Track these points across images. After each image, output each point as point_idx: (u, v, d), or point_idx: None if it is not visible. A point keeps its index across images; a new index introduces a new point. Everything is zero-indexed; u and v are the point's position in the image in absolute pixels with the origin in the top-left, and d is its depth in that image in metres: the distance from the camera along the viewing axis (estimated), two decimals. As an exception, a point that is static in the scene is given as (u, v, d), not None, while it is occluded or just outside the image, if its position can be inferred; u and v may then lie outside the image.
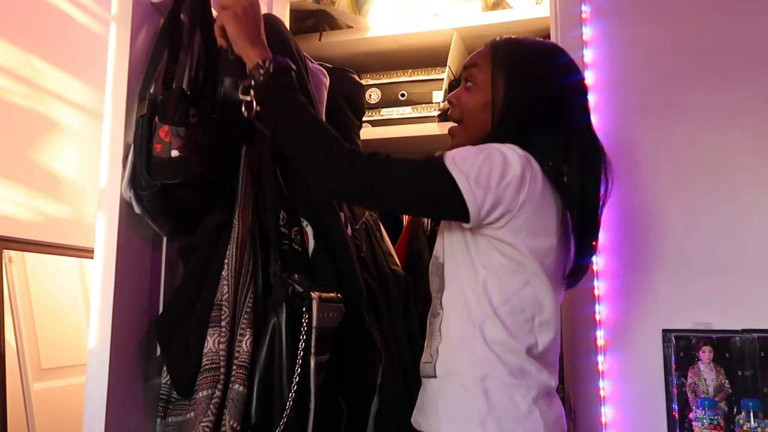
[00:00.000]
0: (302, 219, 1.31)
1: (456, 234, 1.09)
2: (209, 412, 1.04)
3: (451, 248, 1.10)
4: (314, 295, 1.13)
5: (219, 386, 1.06)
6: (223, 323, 1.10)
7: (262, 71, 1.07)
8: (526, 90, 1.09)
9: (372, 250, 1.56)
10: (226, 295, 1.11)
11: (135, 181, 1.10)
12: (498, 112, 1.09)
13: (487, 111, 1.09)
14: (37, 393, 1.64)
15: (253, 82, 1.08)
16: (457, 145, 1.07)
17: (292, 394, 1.09)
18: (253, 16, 1.11)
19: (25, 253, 1.72)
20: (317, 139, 1.04)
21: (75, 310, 1.84)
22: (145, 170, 1.08)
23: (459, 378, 1.04)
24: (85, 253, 1.86)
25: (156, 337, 1.17)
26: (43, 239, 1.79)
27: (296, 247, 1.28)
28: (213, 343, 1.09)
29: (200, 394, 1.06)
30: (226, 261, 1.13)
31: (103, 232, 1.11)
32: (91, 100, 2.00)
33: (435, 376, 1.07)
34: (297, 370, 1.10)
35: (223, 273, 1.13)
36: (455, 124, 1.16)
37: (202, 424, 1.03)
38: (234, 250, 1.14)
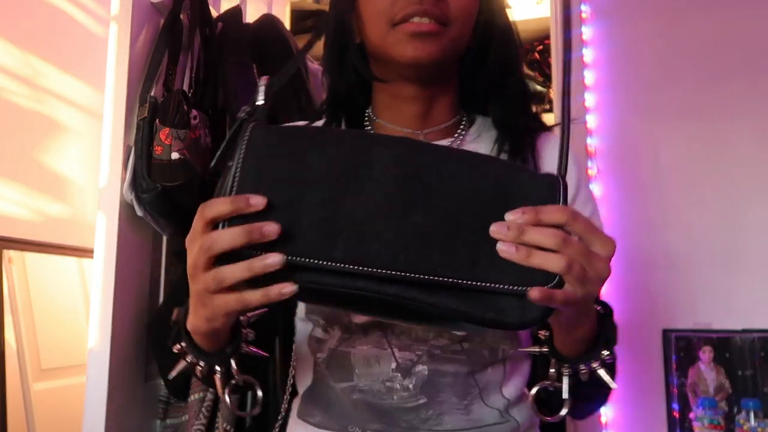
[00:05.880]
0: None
1: None
2: (201, 415, 1.05)
3: None
4: None
5: (210, 389, 1.06)
6: (214, 325, 1.10)
7: None
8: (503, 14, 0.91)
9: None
10: (217, 296, 1.11)
11: (136, 184, 1.10)
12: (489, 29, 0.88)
13: (472, 21, 0.84)
14: (37, 393, 1.64)
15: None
16: (435, 53, 0.78)
17: (287, 396, 1.08)
18: None
19: (25, 253, 1.72)
20: None
21: (75, 310, 1.84)
22: (145, 173, 1.08)
23: None
24: (85, 253, 1.86)
25: (148, 340, 1.17)
26: (43, 239, 1.79)
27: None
28: (203, 346, 1.09)
29: (192, 397, 1.06)
30: None
31: (103, 232, 1.11)
32: (91, 100, 2.00)
33: None
34: (291, 371, 1.09)
35: (214, 275, 1.13)
36: (428, 23, 0.77)
37: (195, 427, 1.04)
38: None
